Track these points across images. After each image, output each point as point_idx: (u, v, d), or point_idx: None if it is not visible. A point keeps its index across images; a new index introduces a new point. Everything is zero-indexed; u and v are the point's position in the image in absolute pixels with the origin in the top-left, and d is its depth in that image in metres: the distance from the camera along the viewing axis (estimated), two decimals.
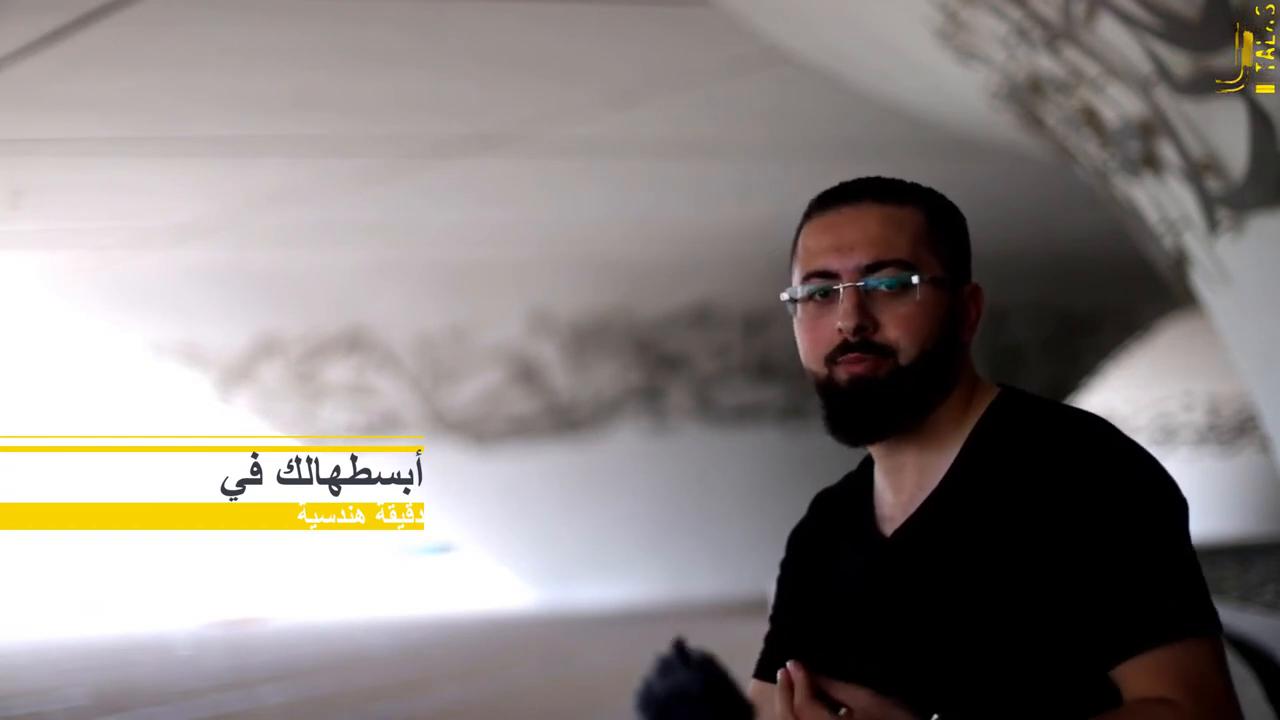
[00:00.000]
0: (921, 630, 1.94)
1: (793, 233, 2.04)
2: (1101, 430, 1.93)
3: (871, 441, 2.00)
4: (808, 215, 2.02)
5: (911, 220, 1.98)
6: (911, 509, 1.99)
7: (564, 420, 19.57)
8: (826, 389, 1.97)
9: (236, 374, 19.69)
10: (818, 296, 1.97)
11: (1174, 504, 1.91)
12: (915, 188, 2.01)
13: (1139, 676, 1.86)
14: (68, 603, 28.37)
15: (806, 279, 1.98)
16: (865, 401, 1.95)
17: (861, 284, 1.94)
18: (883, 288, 1.94)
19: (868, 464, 2.08)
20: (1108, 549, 1.87)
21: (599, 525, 19.87)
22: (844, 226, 1.98)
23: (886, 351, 1.94)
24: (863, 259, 1.95)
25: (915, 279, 1.94)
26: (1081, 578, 1.86)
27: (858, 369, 1.94)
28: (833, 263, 1.96)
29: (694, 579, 19.52)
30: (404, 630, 19.20)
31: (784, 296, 2.00)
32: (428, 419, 19.74)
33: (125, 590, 30.26)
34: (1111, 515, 1.88)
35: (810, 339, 1.98)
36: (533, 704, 11.45)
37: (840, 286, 1.95)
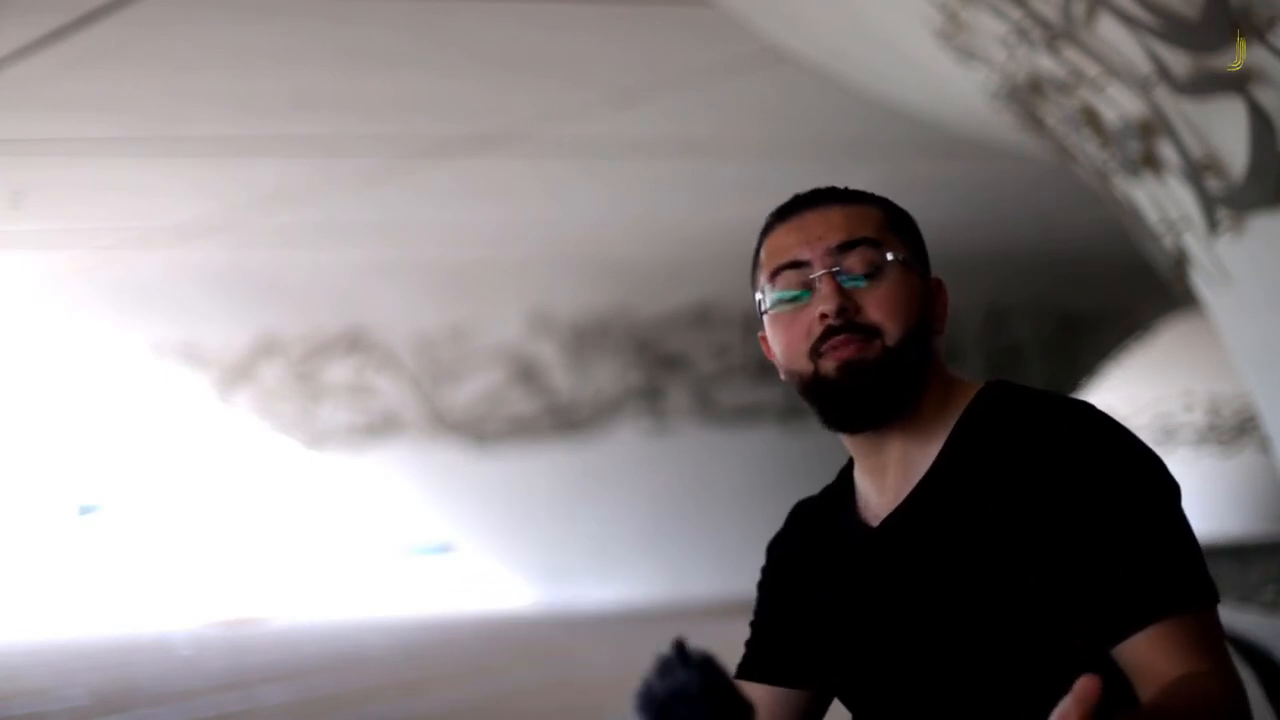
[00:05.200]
0: (916, 618, 1.94)
1: None
2: (1092, 413, 1.94)
3: (869, 427, 1.98)
4: (767, 228, 2.03)
5: (872, 214, 2.01)
6: (897, 502, 1.99)
7: (564, 420, 19.57)
8: (815, 384, 1.97)
9: (237, 374, 19.70)
10: (789, 300, 1.97)
11: (1168, 482, 1.92)
12: (868, 193, 2.04)
13: (1154, 648, 1.84)
14: (68, 603, 28.36)
15: (776, 273, 1.98)
16: (859, 386, 1.94)
17: (836, 269, 1.95)
18: (856, 273, 1.95)
19: (846, 473, 2.08)
20: (1108, 524, 1.87)
21: (599, 525, 19.87)
22: (808, 224, 1.99)
23: (872, 332, 1.94)
24: (832, 241, 1.96)
25: (890, 256, 1.96)
26: (1083, 553, 1.86)
27: (847, 353, 1.94)
28: (803, 252, 1.97)
29: (694, 579, 19.52)
30: (404, 630, 19.20)
31: (758, 297, 2.01)
32: (428, 419, 19.74)
33: (125, 590, 30.25)
34: (1109, 491, 1.87)
35: (789, 337, 1.98)
36: (533, 704, 11.46)
37: (814, 275, 1.95)
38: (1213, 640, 1.87)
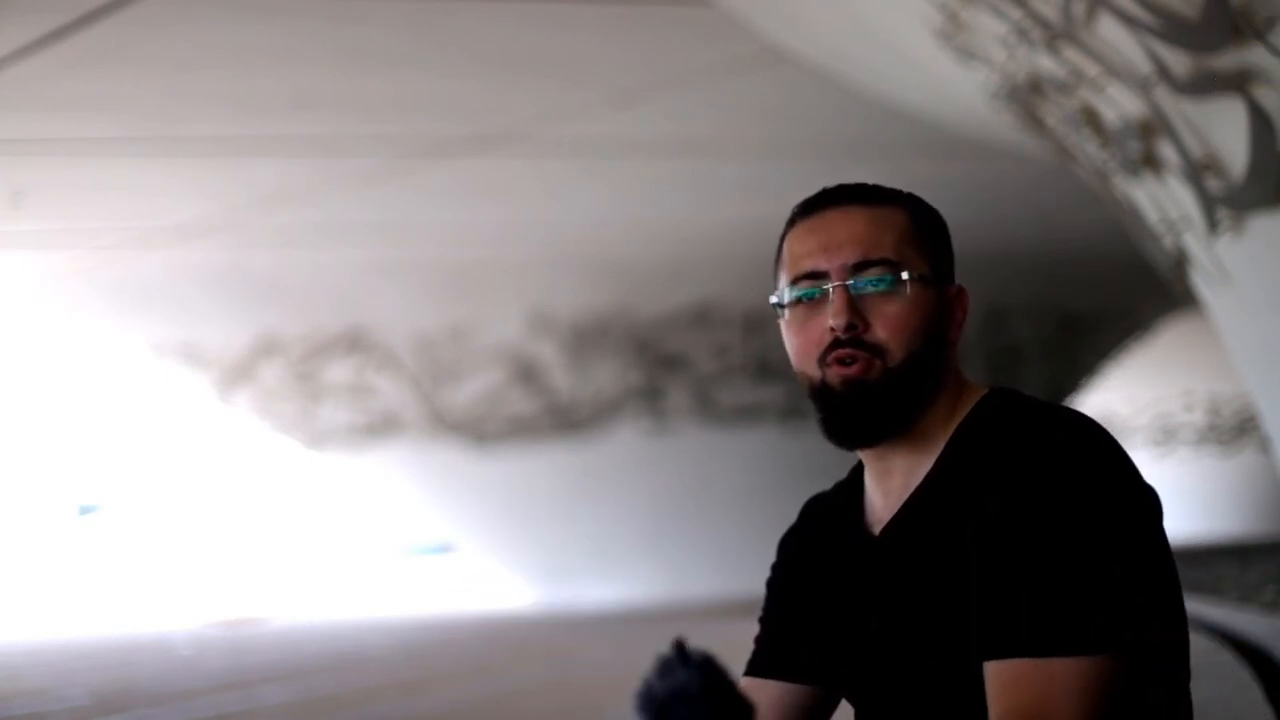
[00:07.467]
0: (906, 625, 1.95)
1: None
2: (1072, 433, 1.90)
3: (868, 445, 2.00)
4: (791, 221, 2.04)
5: (896, 220, 2.00)
6: (897, 509, 2.00)
7: (564, 420, 19.57)
8: (820, 393, 1.98)
9: (237, 374, 19.70)
10: (805, 299, 1.98)
11: (1120, 515, 1.87)
12: (898, 192, 2.03)
13: (990, 684, 1.83)
14: (68, 603, 28.36)
15: (795, 281, 1.99)
16: (859, 405, 1.96)
17: (851, 283, 1.95)
18: (870, 288, 1.95)
19: (858, 470, 2.09)
20: (1013, 550, 1.84)
21: (599, 525, 19.87)
22: (830, 228, 1.99)
23: (876, 351, 1.95)
24: (850, 258, 1.97)
25: (905, 275, 1.95)
26: (984, 575, 1.86)
27: (850, 371, 1.95)
28: (820, 263, 1.98)
29: (694, 579, 19.52)
30: (404, 630, 19.20)
31: (772, 300, 2.02)
32: (428, 419, 19.74)
33: (125, 590, 30.25)
34: (1035, 516, 1.85)
35: (801, 341, 1.99)
36: (533, 704, 11.45)
37: (830, 286, 1.96)
38: (1051, 694, 1.79)
